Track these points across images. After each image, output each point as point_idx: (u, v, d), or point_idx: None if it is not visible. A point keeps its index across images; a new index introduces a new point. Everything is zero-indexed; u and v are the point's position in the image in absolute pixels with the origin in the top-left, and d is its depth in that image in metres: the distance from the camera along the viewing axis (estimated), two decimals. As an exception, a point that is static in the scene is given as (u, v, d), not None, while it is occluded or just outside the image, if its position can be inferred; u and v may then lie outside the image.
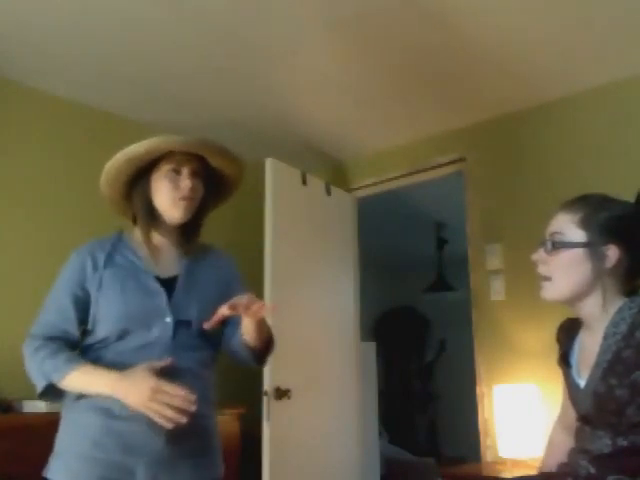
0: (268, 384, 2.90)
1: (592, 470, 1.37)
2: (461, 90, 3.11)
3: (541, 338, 2.92)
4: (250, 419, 3.14)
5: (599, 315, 1.39)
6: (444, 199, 4.48)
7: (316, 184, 3.53)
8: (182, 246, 1.63)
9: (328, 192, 3.61)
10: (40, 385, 1.43)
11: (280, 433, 2.92)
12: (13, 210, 2.87)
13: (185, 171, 1.57)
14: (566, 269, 1.39)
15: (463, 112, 3.35)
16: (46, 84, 3.01)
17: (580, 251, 1.38)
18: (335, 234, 3.65)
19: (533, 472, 1.82)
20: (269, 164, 3.15)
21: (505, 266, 3.20)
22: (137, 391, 1.36)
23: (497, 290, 3.22)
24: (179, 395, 1.35)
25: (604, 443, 1.35)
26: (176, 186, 1.56)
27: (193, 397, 1.36)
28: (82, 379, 1.42)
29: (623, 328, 1.33)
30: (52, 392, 1.45)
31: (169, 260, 1.61)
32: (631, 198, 1.47)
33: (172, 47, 2.71)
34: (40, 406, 2.47)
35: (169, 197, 1.56)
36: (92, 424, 1.43)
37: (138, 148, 1.54)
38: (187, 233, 1.63)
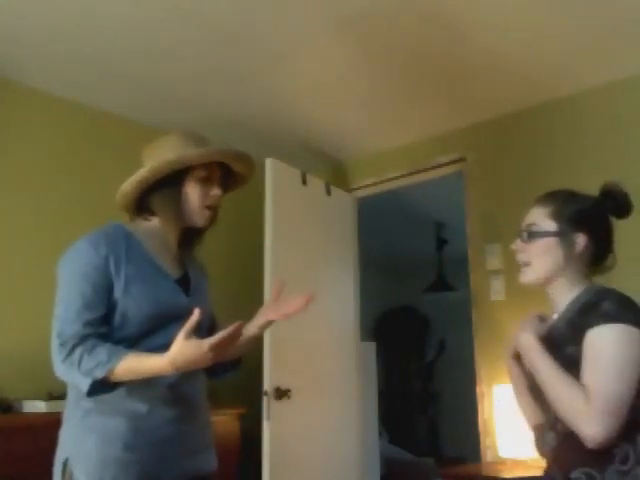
0: (268, 384, 2.89)
1: (560, 477, 1.41)
2: (461, 90, 3.11)
3: (541, 338, 2.92)
4: (250, 419, 3.15)
5: (567, 294, 1.54)
6: (444, 199, 4.48)
7: (316, 184, 3.53)
8: (186, 248, 1.63)
9: (328, 192, 3.61)
10: (85, 385, 1.35)
11: (280, 433, 2.91)
12: (13, 209, 2.87)
13: (215, 179, 1.59)
14: (542, 255, 1.55)
15: (463, 112, 3.35)
16: (46, 84, 3.00)
17: (553, 239, 1.54)
18: (335, 234, 3.65)
19: (534, 472, 1.83)
20: (269, 164, 3.15)
21: (505, 266, 3.19)
22: (200, 359, 1.34)
23: (497, 290, 3.22)
24: (231, 334, 1.33)
25: (550, 437, 1.46)
26: (206, 194, 1.57)
27: (238, 324, 1.34)
28: (133, 367, 1.37)
29: (576, 306, 1.48)
30: (100, 387, 1.38)
31: (172, 260, 1.61)
32: (634, 198, 1.56)
33: (172, 47, 2.71)
34: (40, 406, 2.47)
35: (198, 204, 1.56)
36: (121, 427, 1.42)
37: (191, 154, 1.52)
38: (194, 236, 1.63)
